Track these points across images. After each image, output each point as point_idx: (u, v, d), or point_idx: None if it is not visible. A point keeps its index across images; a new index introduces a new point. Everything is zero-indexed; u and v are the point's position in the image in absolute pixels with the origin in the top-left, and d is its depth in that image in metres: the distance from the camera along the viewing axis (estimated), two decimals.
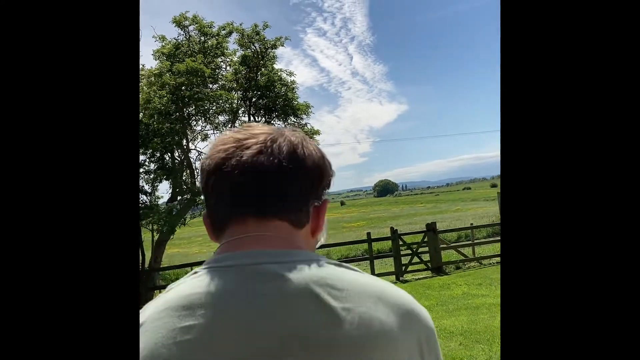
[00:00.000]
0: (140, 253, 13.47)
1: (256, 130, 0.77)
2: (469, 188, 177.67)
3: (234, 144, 0.74)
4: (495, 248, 16.09)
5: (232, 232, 0.73)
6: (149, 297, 12.89)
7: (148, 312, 0.67)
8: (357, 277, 0.69)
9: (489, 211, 40.23)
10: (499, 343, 5.11)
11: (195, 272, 0.70)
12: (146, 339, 0.63)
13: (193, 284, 0.67)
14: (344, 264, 0.72)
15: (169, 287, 0.72)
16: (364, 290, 0.67)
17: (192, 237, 54.77)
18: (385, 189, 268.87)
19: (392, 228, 13.92)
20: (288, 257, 0.68)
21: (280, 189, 0.72)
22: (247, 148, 0.73)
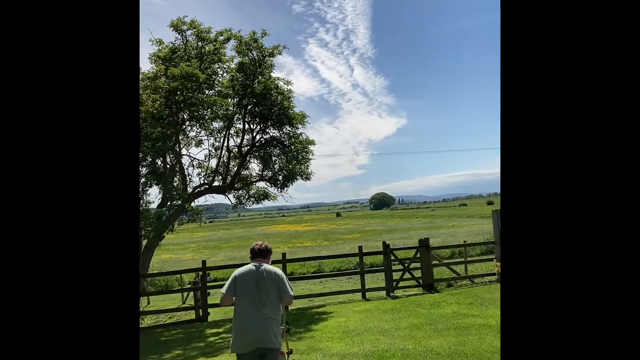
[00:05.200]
0: None
1: (260, 242, 4.85)
2: (465, 204, 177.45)
3: (256, 244, 4.76)
4: (488, 267, 15.88)
5: (256, 260, 4.60)
6: None
7: (239, 269, 4.54)
8: (271, 267, 4.53)
9: (484, 228, 40.08)
10: None
11: (250, 264, 4.54)
12: (238, 272, 4.49)
13: (249, 266, 4.50)
14: (267, 265, 4.62)
15: (244, 266, 4.61)
16: (273, 269, 4.51)
17: (186, 244, 54.45)
18: (381, 202, 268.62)
19: (384, 242, 13.71)
20: (264, 265, 4.53)
21: (265, 253, 4.71)
22: (258, 245, 4.76)
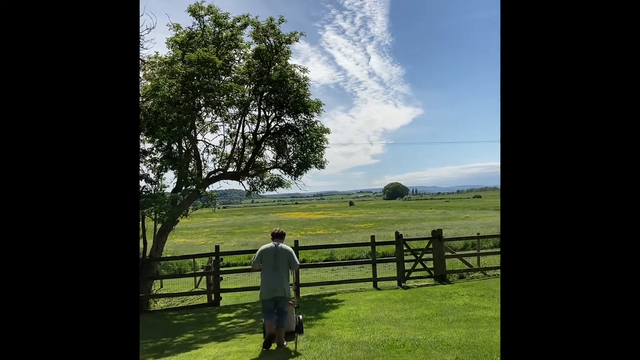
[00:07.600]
0: (142, 242, 13.33)
1: (278, 227, 7.73)
2: (480, 196, 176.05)
3: (275, 229, 7.57)
4: None
5: (275, 240, 7.35)
6: (148, 287, 12.76)
7: (264, 245, 7.32)
8: (285, 245, 7.30)
9: (498, 221, 39.72)
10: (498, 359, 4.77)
11: (271, 243, 7.30)
12: (263, 247, 7.25)
13: (271, 244, 7.24)
14: (282, 244, 7.37)
15: (267, 244, 7.37)
16: (286, 247, 7.25)
17: (200, 228, 54.97)
18: (395, 192, 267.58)
19: (397, 233, 13.69)
20: (281, 244, 7.28)
21: (281, 235, 7.50)
22: (277, 230, 7.59)
